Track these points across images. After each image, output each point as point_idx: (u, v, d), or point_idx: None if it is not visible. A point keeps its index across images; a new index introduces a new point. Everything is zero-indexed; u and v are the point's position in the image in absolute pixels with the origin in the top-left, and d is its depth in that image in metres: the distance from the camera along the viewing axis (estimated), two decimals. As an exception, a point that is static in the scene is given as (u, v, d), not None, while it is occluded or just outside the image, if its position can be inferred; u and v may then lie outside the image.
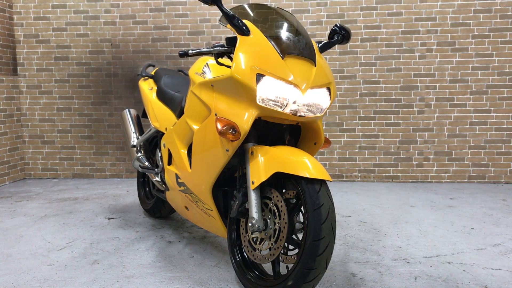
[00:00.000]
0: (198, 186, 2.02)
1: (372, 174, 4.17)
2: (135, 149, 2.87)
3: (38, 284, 1.94)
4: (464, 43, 3.98)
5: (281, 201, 1.71)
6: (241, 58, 1.71)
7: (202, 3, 2.67)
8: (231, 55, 1.83)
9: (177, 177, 2.23)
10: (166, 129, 2.46)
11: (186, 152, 2.16)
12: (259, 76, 1.68)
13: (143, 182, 3.15)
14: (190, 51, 1.84)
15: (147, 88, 2.86)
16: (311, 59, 1.80)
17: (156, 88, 2.80)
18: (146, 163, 2.75)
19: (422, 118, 4.08)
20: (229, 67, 1.85)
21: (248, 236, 1.85)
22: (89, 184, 4.14)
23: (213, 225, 2.09)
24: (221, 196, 2.06)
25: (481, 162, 4.07)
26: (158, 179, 2.55)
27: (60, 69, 4.33)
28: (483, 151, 4.06)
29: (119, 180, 4.32)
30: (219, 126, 1.75)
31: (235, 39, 1.80)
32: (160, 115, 2.58)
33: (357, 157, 4.17)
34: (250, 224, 1.71)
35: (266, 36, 1.76)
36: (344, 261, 2.19)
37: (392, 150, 4.14)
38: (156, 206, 2.91)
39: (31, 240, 2.55)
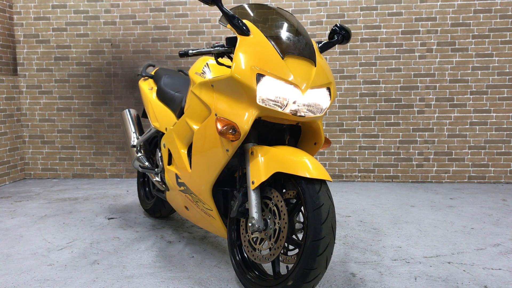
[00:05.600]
0: (198, 186, 2.02)
1: (372, 174, 4.17)
2: (135, 149, 2.86)
3: (38, 284, 1.94)
4: (464, 43, 3.98)
5: (281, 201, 1.70)
6: (241, 58, 1.71)
7: (202, 3, 2.67)
8: (231, 55, 1.83)
9: (177, 177, 2.23)
10: (166, 129, 2.46)
11: (186, 152, 2.16)
12: (259, 76, 1.68)
13: (143, 182, 3.15)
14: (190, 51, 1.84)
15: (147, 88, 2.86)
16: (311, 59, 1.80)
17: (156, 88, 2.80)
18: (146, 163, 2.75)
19: (422, 118, 4.08)
20: (229, 67, 1.85)
21: (248, 236, 1.85)
22: (89, 184, 4.14)
23: (213, 225, 2.09)
24: (221, 196, 2.06)
25: (481, 162, 4.07)
26: (158, 179, 2.55)
27: (60, 69, 4.33)
28: (483, 151, 4.06)
29: (119, 180, 4.32)
30: (219, 126, 1.75)
31: (235, 39, 1.80)
32: (160, 115, 2.58)
33: (357, 157, 4.17)
34: (250, 224, 1.71)
35: (266, 36, 1.76)
36: (344, 261, 2.19)
37: (392, 150, 4.14)
38: (156, 206, 2.91)
39: (31, 240, 2.55)
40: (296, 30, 1.86)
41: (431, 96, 4.05)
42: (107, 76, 4.30)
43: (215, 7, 4.06)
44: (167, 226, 2.82)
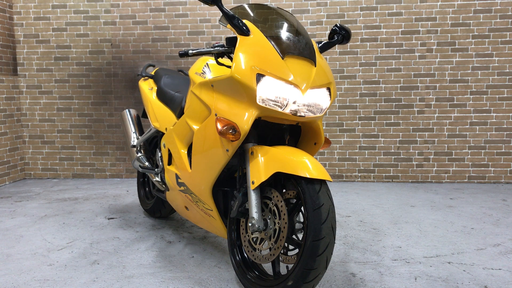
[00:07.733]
0: (198, 186, 2.02)
1: (372, 174, 4.17)
2: (135, 149, 2.87)
3: (38, 284, 1.94)
4: (464, 43, 3.98)
5: (281, 201, 1.70)
6: (241, 58, 1.71)
7: (202, 3, 2.67)
8: (231, 55, 1.83)
9: (177, 177, 2.23)
10: (166, 129, 2.46)
11: (186, 152, 2.16)
12: (259, 76, 1.68)
13: (143, 182, 3.15)
14: (190, 51, 1.84)
15: (147, 88, 2.86)
16: (311, 59, 1.80)
17: (156, 88, 2.80)
18: (146, 163, 2.75)
19: (422, 118, 4.08)
20: (229, 67, 1.85)
21: (248, 236, 1.85)
22: (89, 184, 4.14)
23: (213, 225, 2.09)
24: (221, 196, 2.06)
25: (481, 162, 4.07)
26: (158, 179, 2.55)
27: (60, 69, 4.33)
28: (483, 151, 4.06)
29: (119, 180, 4.32)
30: (219, 126, 1.75)
31: (235, 39, 1.80)
32: (160, 115, 2.58)
33: (357, 157, 4.17)
34: (250, 224, 1.71)
35: (266, 36, 1.76)
36: (344, 261, 2.19)
37: (392, 150, 4.14)
38: (156, 206, 2.91)
39: (31, 240, 2.55)
40: (296, 30, 1.86)
41: (431, 96, 4.05)
42: (107, 76, 4.30)
43: (215, 7, 4.06)
44: (167, 226, 2.82)
